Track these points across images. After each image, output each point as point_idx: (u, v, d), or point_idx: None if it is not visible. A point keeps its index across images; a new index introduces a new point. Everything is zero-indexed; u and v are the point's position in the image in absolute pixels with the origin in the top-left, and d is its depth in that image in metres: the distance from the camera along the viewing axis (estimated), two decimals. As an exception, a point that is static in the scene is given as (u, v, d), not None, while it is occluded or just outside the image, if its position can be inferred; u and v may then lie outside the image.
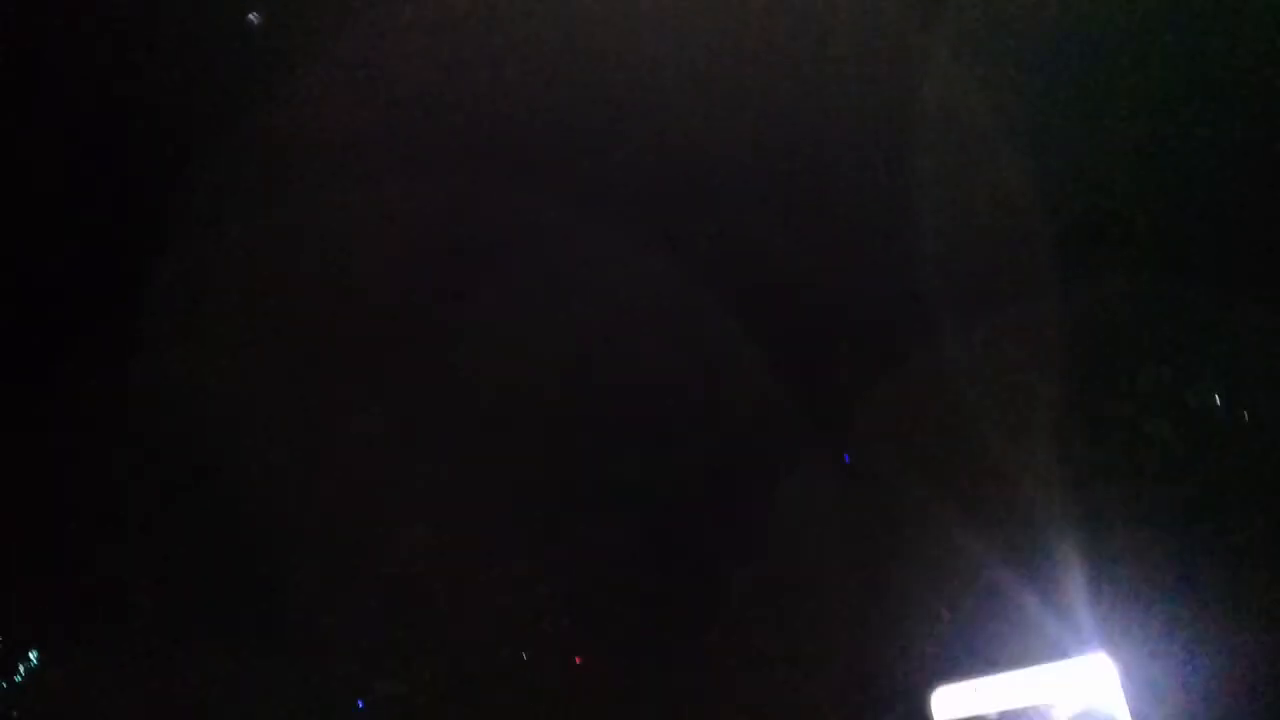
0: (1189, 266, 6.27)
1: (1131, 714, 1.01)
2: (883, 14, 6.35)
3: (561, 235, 7.46)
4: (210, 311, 7.73)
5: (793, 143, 7.05)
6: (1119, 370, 6.37)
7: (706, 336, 7.51)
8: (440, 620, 6.29)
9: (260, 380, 7.61)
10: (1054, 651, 1.08)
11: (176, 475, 7.72)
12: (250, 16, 6.59)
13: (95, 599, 7.35)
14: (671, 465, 7.41)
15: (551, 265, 7.64)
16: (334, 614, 6.50)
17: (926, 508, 5.98)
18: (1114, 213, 6.60)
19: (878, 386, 7.03)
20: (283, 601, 7.05)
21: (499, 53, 6.90)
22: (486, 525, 6.99)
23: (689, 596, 6.35)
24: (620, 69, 6.79)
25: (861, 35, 6.46)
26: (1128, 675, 1.02)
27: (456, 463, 7.60)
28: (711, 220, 7.40)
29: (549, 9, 6.71)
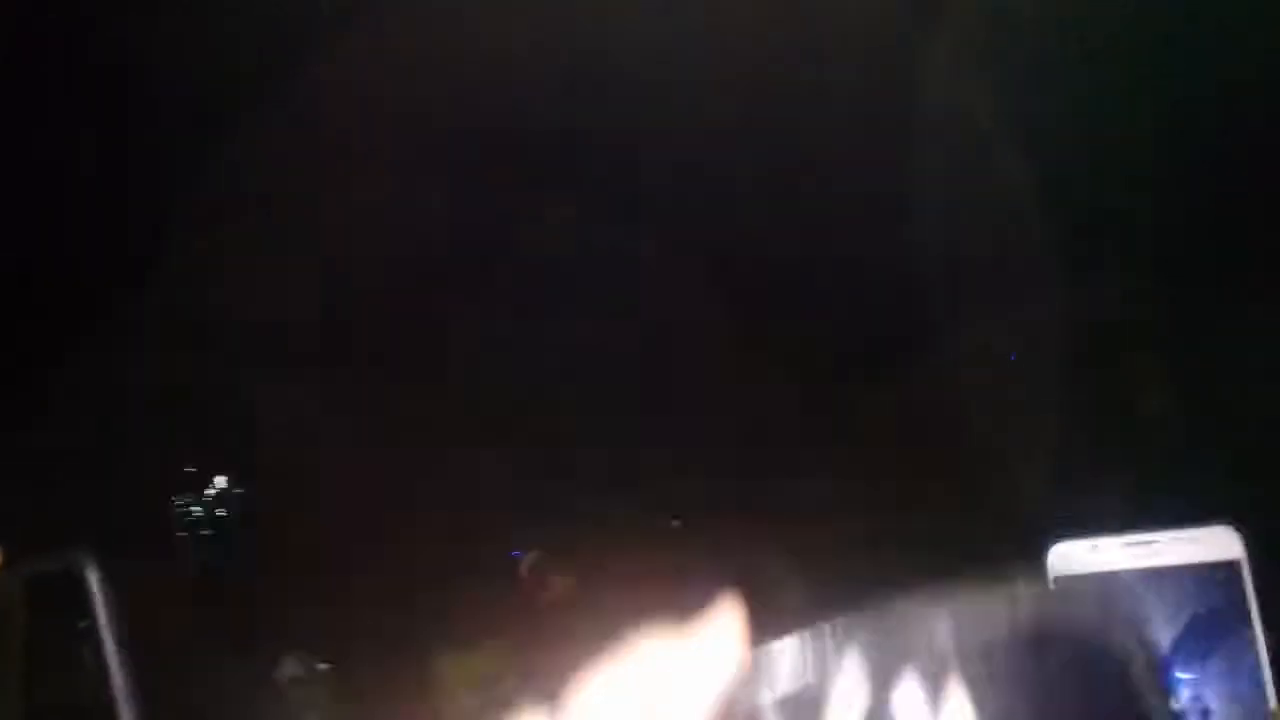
0: (1189, 266, 6.27)
1: (1257, 590, 0.99)
2: (883, 14, 6.36)
3: (562, 236, 7.46)
4: (209, 311, 7.73)
5: (793, 142, 7.06)
6: (1117, 369, 6.36)
7: (704, 335, 7.51)
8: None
9: (259, 379, 7.61)
10: (1177, 519, 1.05)
11: (175, 475, 7.71)
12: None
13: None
14: (672, 464, 7.41)
15: (552, 265, 7.64)
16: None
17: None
18: (1114, 213, 6.60)
19: (877, 386, 7.03)
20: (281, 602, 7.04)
21: (500, 53, 6.91)
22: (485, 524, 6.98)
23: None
24: (621, 69, 6.80)
25: (861, 35, 6.48)
26: (1255, 548, 1.00)
27: (455, 462, 7.59)
28: (709, 219, 7.41)
29: (550, 9, 6.72)
